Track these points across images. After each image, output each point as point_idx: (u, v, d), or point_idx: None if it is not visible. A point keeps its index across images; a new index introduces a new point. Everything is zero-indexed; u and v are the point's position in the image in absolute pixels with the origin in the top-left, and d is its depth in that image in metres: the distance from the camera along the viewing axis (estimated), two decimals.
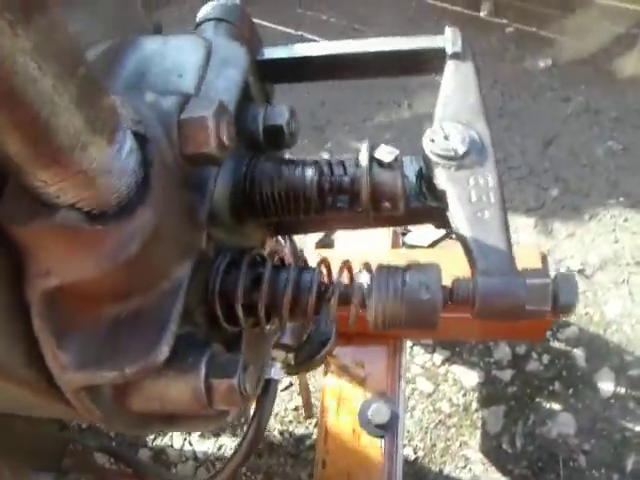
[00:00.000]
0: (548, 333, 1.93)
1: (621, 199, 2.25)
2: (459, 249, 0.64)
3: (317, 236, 1.58)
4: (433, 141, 0.65)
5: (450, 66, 0.74)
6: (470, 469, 1.76)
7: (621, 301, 2.00)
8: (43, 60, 0.34)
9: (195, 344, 0.53)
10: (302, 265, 0.60)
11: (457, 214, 0.61)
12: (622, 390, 1.83)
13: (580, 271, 2.07)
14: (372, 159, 0.62)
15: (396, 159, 0.62)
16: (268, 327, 0.60)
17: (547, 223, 2.22)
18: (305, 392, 1.22)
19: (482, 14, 2.97)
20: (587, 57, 2.67)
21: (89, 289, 0.46)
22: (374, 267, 0.59)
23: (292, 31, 3.02)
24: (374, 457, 1.23)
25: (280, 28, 3.02)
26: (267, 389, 0.85)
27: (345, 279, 0.59)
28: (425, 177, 0.66)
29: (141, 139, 0.45)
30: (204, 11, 0.70)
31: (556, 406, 1.83)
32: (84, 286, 0.45)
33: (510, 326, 1.42)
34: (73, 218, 0.41)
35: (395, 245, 1.49)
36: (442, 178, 0.62)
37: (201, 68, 0.57)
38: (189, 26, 0.77)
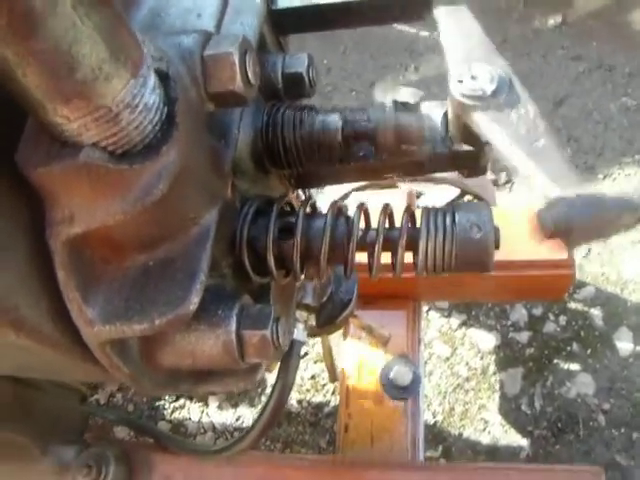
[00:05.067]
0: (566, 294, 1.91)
1: (636, 157, 2.21)
2: None
3: (330, 199, 1.55)
4: (461, 82, 0.62)
5: (441, 11, 0.70)
6: (489, 432, 1.75)
7: (638, 260, 1.98)
8: None
9: (224, 296, 0.51)
10: (339, 210, 0.58)
11: (513, 151, 0.58)
12: None
13: None
14: (396, 102, 0.60)
15: (419, 103, 0.59)
16: (307, 282, 0.57)
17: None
18: (328, 355, 1.20)
19: None
20: (597, 12, 2.61)
21: (115, 236, 0.43)
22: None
23: None
24: (397, 420, 1.22)
25: None
26: (291, 351, 0.83)
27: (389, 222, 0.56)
28: (453, 121, 0.63)
29: (163, 77, 0.42)
30: None
31: (574, 367, 1.82)
32: (109, 233, 0.42)
33: (532, 286, 1.40)
34: (97, 157, 0.38)
35: (411, 205, 1.46)
36: (483, 120, 0.59)
37: (220, 8, 0.54)
38: None
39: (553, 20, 2.65)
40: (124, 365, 0.50)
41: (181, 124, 0.41)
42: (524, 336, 1.89)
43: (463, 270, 0.54)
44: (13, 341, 0.46)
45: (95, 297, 0.45)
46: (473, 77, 0.62)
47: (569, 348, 1.85)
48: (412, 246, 0.54)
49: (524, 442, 1.73)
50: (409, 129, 0.59)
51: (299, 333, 0.85)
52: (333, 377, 1.29)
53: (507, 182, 2.21)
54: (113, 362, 0.50)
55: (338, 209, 0.57)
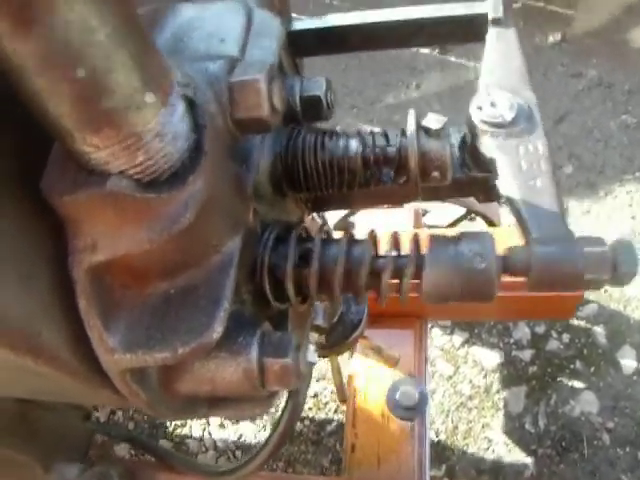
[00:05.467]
0: None
1: (637, 174, 2.22)
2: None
3: (336, 218, 1.56)
4: (480, 109, 0.62)
5: (492, 33, 0.71)
6: (493, 450, 1.74)
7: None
8: (99, 10, 0.31)
9: (245, 322, 0.50)
10: (351, 238, 0.57)
11: (508, 183, 0.58)
12: None
13: None
14: (419, 127, 0.59)
15: (444, 127, 0.59)
16: (318, 303, 0.57)
17: (562, 201, 2.20)
18: (337, 375, 1.19)
19: None
20: (597, 30, 2.63)
21: (138, 264, 0.43)
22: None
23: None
24: (404, 440, 1.21)
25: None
26: None
27: (394, 252, 0.56)
28: (469, 147, 0.63)
29: (190, 103, 0.41)
30: None
31: (578, 385, 1.81)
32: (133, 261, 0.42)
33: (541, 305, 1.39)
34: (124, 185, 0.38)
35: (417, 225, 1.47)
36: (491, 146, 0.60)
37: (243, 33, 0.54)
38: None
39: (552, 37, 2.67)
40: (143, 393, 0.50)
41: (209, 152, 0.41)
42: (527, 354, 1.88)
43: (466, 300, 0.54)
44: (31, 367, 0.45)
45: (116, 325, 0.45)
46: (493, 104, 0.62)
47: (572, 366, 1.85)
48: (418, 275, 0.54)
49: (528, 461, 1.72)
50: (432, 155, 0.59)
51: (310, 354, 0.84)
52: (342, 397, 1.28)
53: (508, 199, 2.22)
54: (132, 390, 0.49)
55: (351, 236, 0.57)
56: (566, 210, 2.17)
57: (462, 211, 1.62)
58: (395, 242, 0.57)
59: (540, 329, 1.92)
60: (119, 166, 0.38)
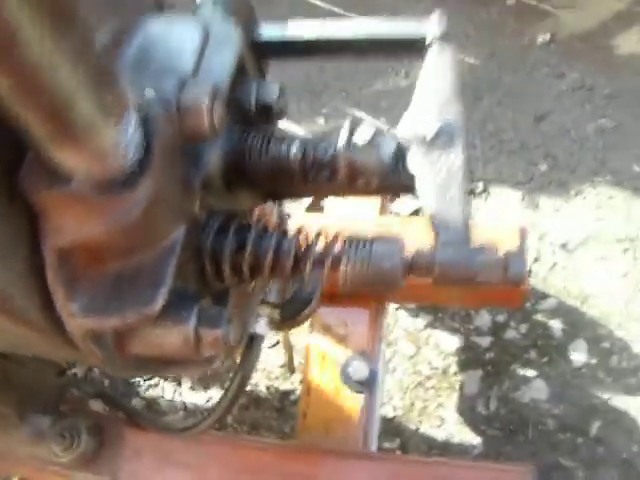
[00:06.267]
0: (527, 304, 2.02)
1: (607, 177, 2.30)
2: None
3: (308, 201, 1.65)
4: (407, 123, 0.72)
5: (432, 51, 0.80)
6: (445, 428, 1.86)
7: (599, 277, 2.09)
8: (61, 52, 0.39)
9: (187, 297, 0.61)
10: (284, 232, 0.68)
11: (425, 191, 0.68)
12: (594, 361, 1.93)
13: (563, 245, 2.15)
14: (350, 139, 0.69)
15: (372, 140, 0.68)
16: (252, 285, 0.67)
17: (534, 197, 2.29)
18: (288, 349, 1.30)
19: None
20: (586, 33, 2.70)
21: (96, 248, 0.53)
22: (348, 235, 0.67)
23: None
24: (352, 412, 1.32)
25: None
26: (252, 343, 0.93)
27: (321, 246, 0.67)
28: (400, 156, 0.73)
29: (144, 117, 0.51)
30: None
31: (530, 373, 1.93)
32: (92, 245, 0.53)
33: (490, 296, 1.50)
34: (85, 188, 0.48)
35: (383, 211, 1.57)
36: (414, 159, 0.70)
37: (198, 50, 0.63)
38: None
39: (542, 37, 2.74)
40: (99, 351, 0.60)
41: (157, 160, 0.51)
42: (486, 340, 2.00)
43: (378, 288, 0.65)
44: (7, 325, 0.56)
45: (77, 295, 0.55)
46: (419, 120, 0.72)
47: (527, 355, 1.96)
48: (336, 267, 0.65)
49: (477, 440, 1.84)
50: (358, 165, 0.68)
51: (261, 327, 0.94)
52: (291, 368, 1.40)
53: (483, 191, 2.32)
54: (90, 349, 0.59)
55: (283, 232, 0.68)
56: (537, 206, 2.27)
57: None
58: (320, 237, 0.67)
59: (501, 318, 2.03)
60: (82, 172, 0.48)
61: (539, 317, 2.03)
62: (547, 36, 2.74)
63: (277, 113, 0.73)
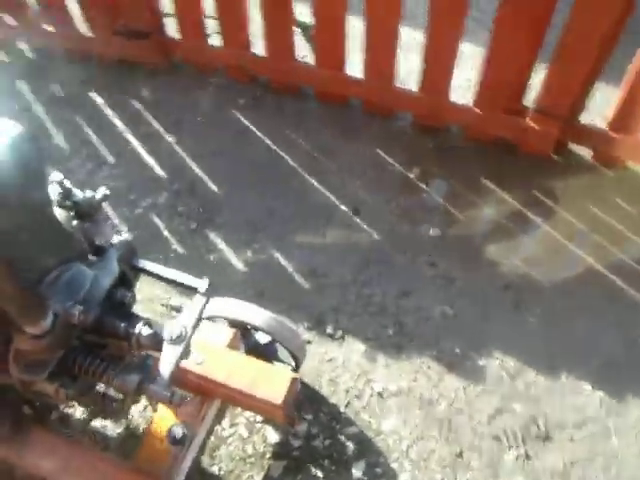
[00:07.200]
0: (337, 426, 2.68)
1: (434, 352, 2.82)
2: None
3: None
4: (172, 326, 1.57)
5: (196, 297, 1.66)
6: None
7: (396, 422, 2.62)
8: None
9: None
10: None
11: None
12: (366, 478, 2.45)
13: (380, 393, 2.67)
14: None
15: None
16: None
17: (374, 352, 2.84)
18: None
19: (411, 176, 3.74)
20: (468, 235, 3.25)
21: (29, 352, 1.37)
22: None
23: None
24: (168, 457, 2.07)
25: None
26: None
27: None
28: None
29: (55, 313, 1.35)
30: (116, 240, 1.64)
31: (320, 474, 2.47)
32: (26, 351, 1.36)
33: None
34: (28, 337, 1.32)
35: (233, 344, 2.17)
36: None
37: (90, 283, 1.48)
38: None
39: (433, 231, 3.23)
40: (19, 384, 1.43)
41: (56, 328, 1.34)
42: (297, 442, 2.54)
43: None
44: None
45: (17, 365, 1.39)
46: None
47: (322, 461, 2.50)
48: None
49: None
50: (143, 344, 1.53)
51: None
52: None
53: (341, 338, 2.93)
54: (17, 380, 1.43)
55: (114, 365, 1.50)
56: (374, 359, 2.91)
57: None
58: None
59: (314, 430, 2.68)
60: (28, 330, 1.32)
61: (342, 438, 2.57)
62: (438, 231, 3.31)
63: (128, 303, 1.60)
